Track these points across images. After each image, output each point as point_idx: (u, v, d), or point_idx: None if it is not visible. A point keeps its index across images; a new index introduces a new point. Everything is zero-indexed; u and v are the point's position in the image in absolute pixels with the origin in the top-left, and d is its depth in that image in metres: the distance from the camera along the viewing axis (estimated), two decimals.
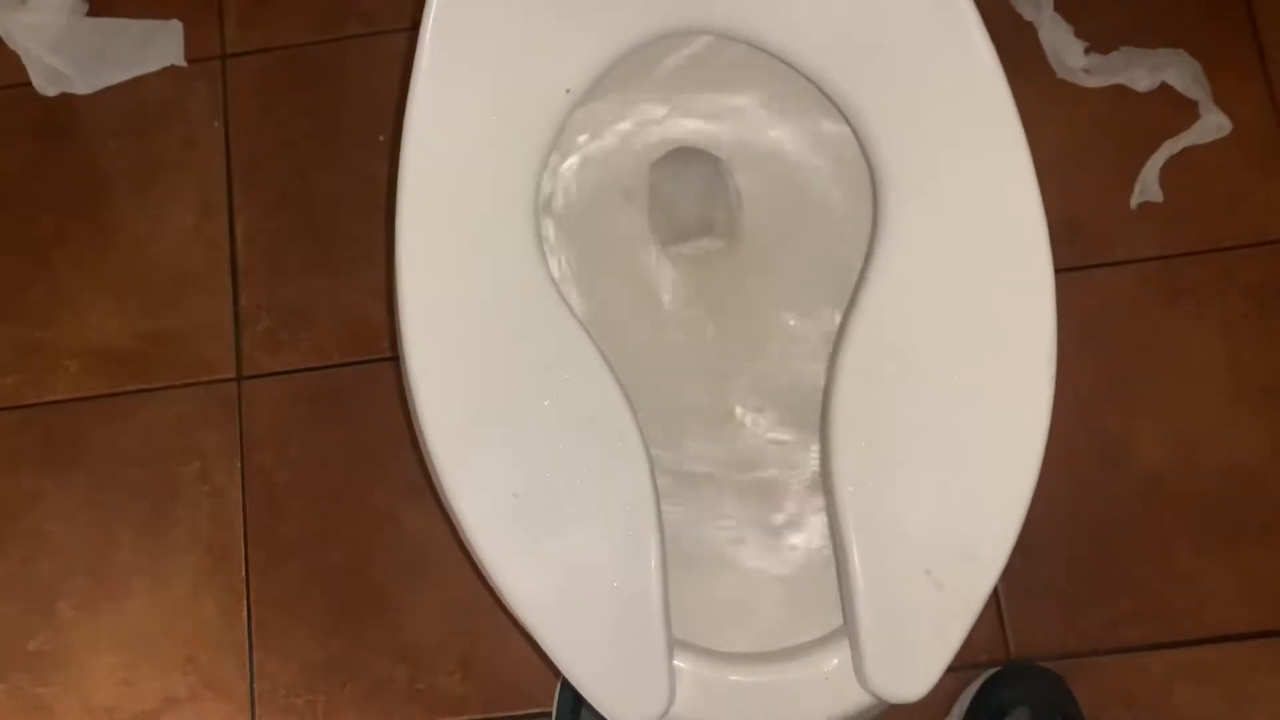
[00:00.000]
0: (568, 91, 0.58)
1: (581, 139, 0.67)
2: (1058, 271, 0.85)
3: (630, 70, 0.62)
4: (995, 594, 0.82)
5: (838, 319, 0.64)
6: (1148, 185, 0.87)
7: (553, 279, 0.56)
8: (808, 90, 0.61)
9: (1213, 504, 0.83)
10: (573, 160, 0.68)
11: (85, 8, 0.91)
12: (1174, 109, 0.88)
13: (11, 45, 0.91)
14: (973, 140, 0.59)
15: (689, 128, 0.70)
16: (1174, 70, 0.88)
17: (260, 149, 0.93)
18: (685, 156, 0.70)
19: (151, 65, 0.93)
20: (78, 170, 0.93)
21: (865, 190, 0.60)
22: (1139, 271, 0.87)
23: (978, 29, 0.60)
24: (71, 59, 0.91)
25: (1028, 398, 0.55)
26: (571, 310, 0.55)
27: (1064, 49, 0.89)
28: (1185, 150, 0.87)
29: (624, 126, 0.67)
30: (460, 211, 0.56)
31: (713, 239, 0.69)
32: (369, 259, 0.88)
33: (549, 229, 0.68)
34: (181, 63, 0.93)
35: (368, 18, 0.94)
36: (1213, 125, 0.87)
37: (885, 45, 0.59)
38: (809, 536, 0.61)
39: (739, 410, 0.65)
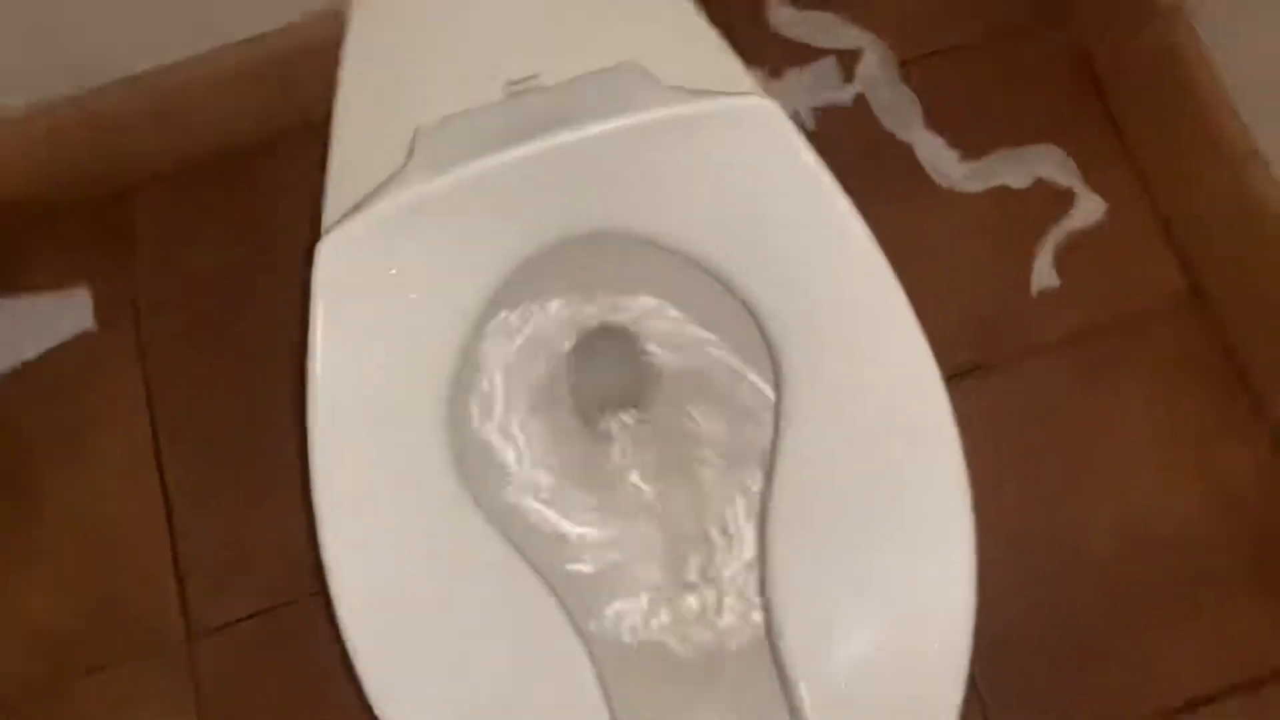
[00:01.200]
0: (465, 316, 0.60)
1: (496, 346, 0.70)
2: (975, 369, 0.90)
3: (528, 275, 0.66)
4: (979, 696, 0.83)
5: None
6: (1043, 272, 0.92)
7: (469, 499, 0.58)
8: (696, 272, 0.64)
9: (1168, 575, 0.85)
10: (495, 365, 0.71)
11: None
12: (1052, 199, 0.93)
13: None
14: (853, 296, 0.62)
15: (594, 312, 0.73)
16: (1046, 164, 0.93)
17: (181, 394, 0.92)
18: (599, 337, 0.73)
19: (64, 335, 0.92)
20: (1, 448, 0.92)
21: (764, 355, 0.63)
22: (1053, 356, 0.91)
23: (839, 197, 0.63)
24: None
25: (950, 531, 0.57)
26: (495, 530, 0.57)
27: (940, 161, 0.94)
28: (1070, 235, 0.92)
29: (530, 329, 0.70)
30: (372, 449, 0.57)
31: (635, 411, 0.72)
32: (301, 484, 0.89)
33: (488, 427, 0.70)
34: (92, 327, 0.93)
35: (271, 259, 0.94)
36: (1090, 208, 0.92)
37: (756, 221, 0.63)
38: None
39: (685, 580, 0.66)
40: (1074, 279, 0.92)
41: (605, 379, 0.72)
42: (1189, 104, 0.84)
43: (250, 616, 0.87)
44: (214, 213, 0.96)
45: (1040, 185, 0.94)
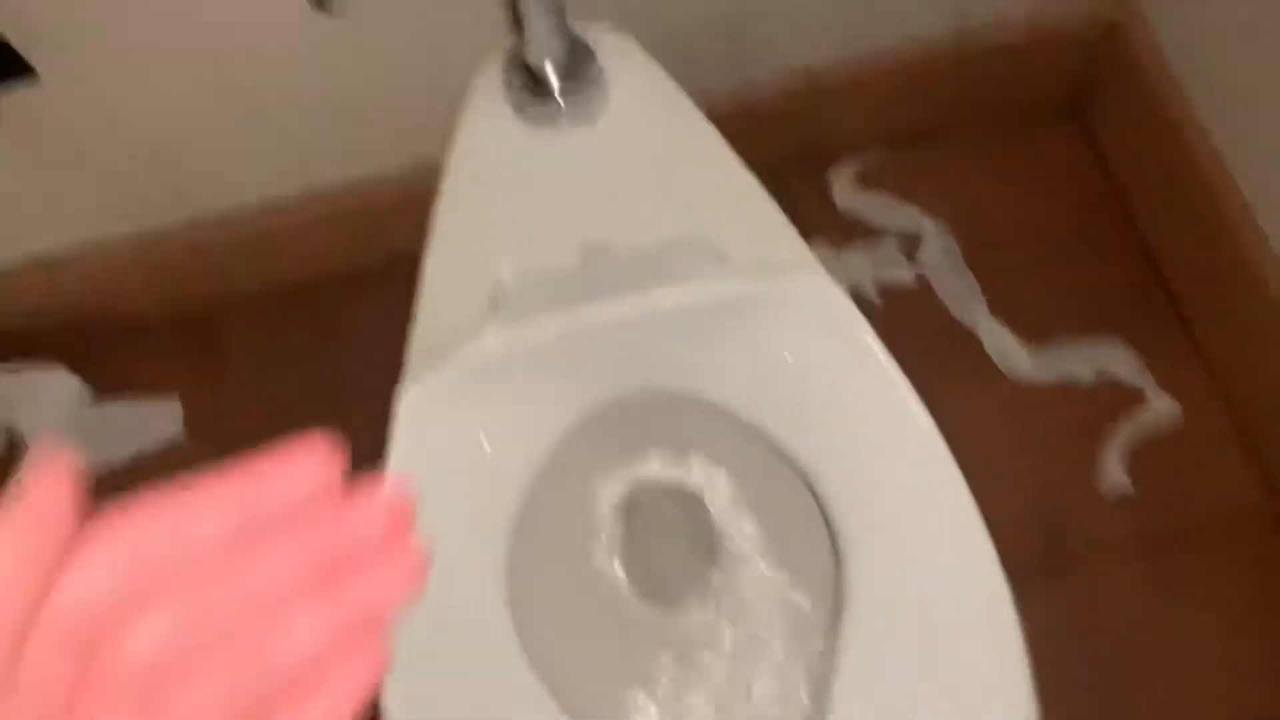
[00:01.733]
0: (529, 464, 0.61)
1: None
2: (1042, 574, 0.86)
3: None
4: None
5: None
6: (1113, 474, 0.88)
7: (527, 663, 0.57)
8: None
9: None
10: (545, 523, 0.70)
11: (89, 395, 0.99)
12: (1122, 396, 0.91)
13: (19, 438, 0.97)
14: (911, 479, 0.61)
15: (655, 468, 0.72)
16: (1113, 361, 0.92)
17: None
18: (659, 497, 0.72)
19: (152, 443, 0.98)
20: None
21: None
22: (1122, 565, 0.86)
23: (900, 380, 0.63)
24: (74, 443, 0.96)
25: None
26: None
27: (1006, 349, 0.93)
28: (1141, 435, 0.89)
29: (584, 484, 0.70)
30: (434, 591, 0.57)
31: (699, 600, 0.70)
32: None
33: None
34: (181, 436, 0.99)
35: (355, 381, 1.00)
36: (1162, 411, 0.90)
37: (814, 393, 0.63)
38: None
39: None
40: (1145, 483, 0.88)
41: (665, 544, 0.71)
42: (1258, 301, 0.82)
43: None
44: (301, 340, 1.03)
45: (1109, 382, 0.92)
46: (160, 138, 0.84)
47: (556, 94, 0.63)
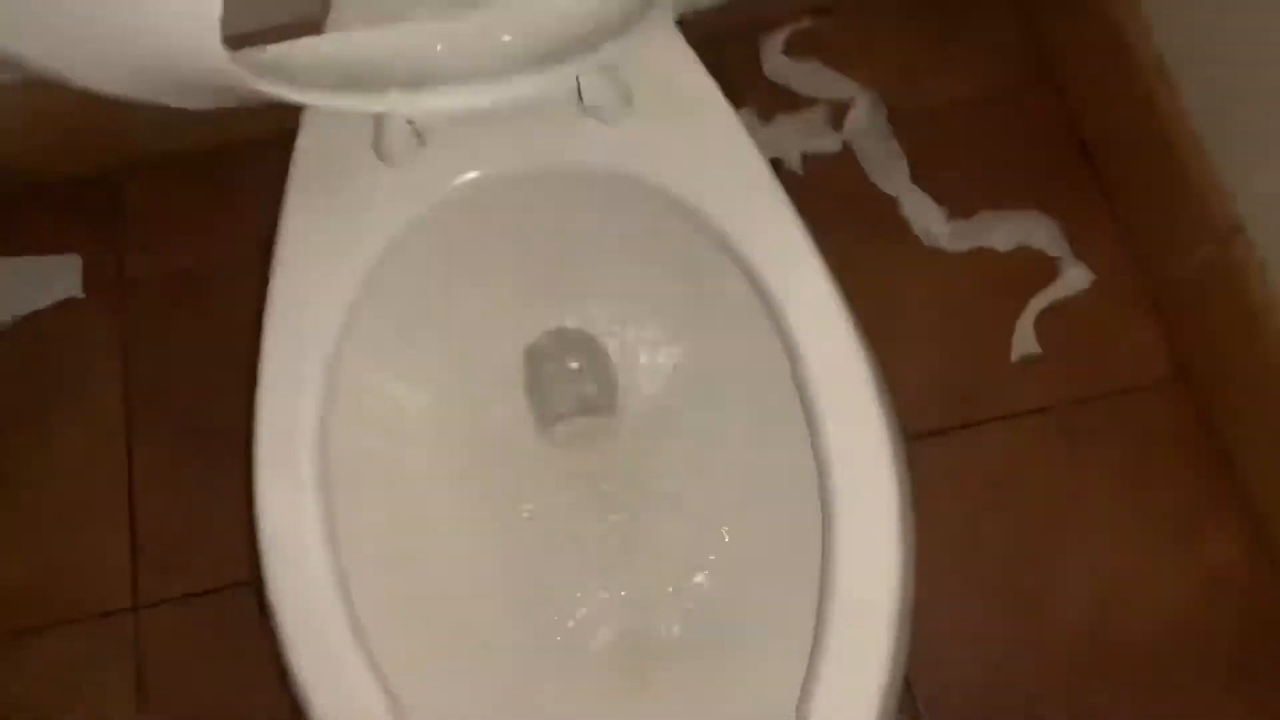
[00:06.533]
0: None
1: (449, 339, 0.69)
2: (950, 430, 0.87)
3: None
4: None
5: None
6: (1024, 339, 0.89)
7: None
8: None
9: (1142, 657, 0.80)
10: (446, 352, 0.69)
11: None
12: (1037, 265, 0.91)
13: None
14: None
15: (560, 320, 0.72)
16: (1032, 230, 0.92)
17: (158, 375, 0.94)
18: (560, 337, 0.71)
19: (50, 299, 0.95)
20: None
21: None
22: (1031, 423, 0.88)
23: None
24: None
25: None
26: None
27: (925, 218, 0.93)
28: (1054, 303, 0.90)
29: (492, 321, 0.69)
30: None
31: (593, 416, 0.69)
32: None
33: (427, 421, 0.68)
34: (80, 294, 0.95)
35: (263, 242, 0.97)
36: (1076, 278, 0.90)
37: None
38: None
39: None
40: (1056, 348, 0.89)
41: (564, 378, 0.70)
42: (1175, 177, 0.82)
43: (196, 595, 0.87)
44: (202, 203, 0.99)
45: (1026, 251, 0.92)
46: None
47: None
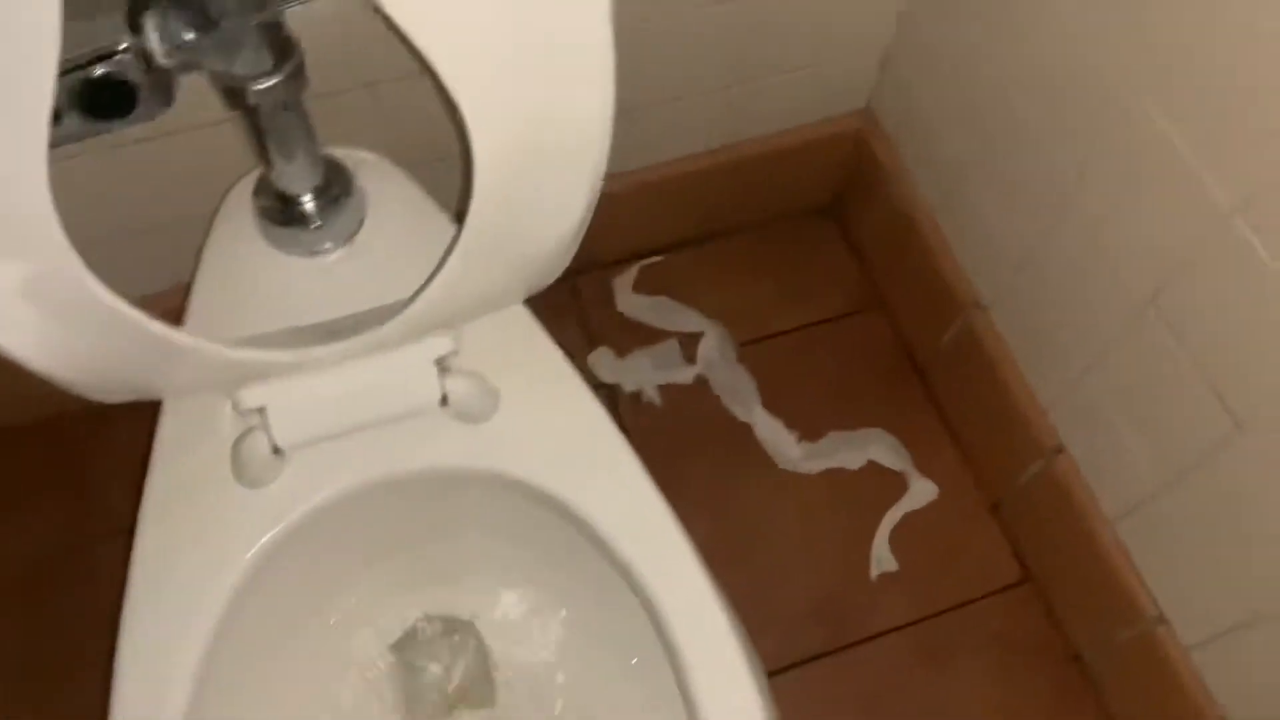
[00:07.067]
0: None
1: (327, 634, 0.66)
2: (823, 655, 0.89)
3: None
4: None
5: None
6: (881, 556, 0.93)
7: None
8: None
9: None
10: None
11: None
12: (887, 481, 0.97)
13: None
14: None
15: (428, 599, 0.70)
16: (877, 447, 0.98)
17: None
18: (428, 629, 0.70)
19: None
20: None
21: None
22: (897, 640, 0.91)
23: None
24: None
25: None
26: None
27: (779, 442, 0.98)
28: (905, 517, 0.95)
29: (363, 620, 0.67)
30: None
31: (471, 705, 0.68)
32: None
33: None
34: None
35: (95, 531, 0.92)
36: (921, 491, 0.96)
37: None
38: None
39: None
40: (910, 562, 0.94)
41: (437, 668, 0.68)
42: (1000, 398, 0.90)
43: None
44: (40, 479, 0.92)
45: (874, 467, 0.97)
46: None
47: (313, 217, 0.60)
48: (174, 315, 0.57)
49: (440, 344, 0.58)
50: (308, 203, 0.60)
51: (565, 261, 0.57)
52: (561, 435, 0.61)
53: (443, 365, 0.59)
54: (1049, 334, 0.84)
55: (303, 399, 0.56)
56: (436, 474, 0.60)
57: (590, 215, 0.56)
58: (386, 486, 0.60)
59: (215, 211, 0.62)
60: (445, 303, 0.54)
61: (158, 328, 0.48)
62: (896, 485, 0.97)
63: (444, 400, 0.59)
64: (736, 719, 0.55)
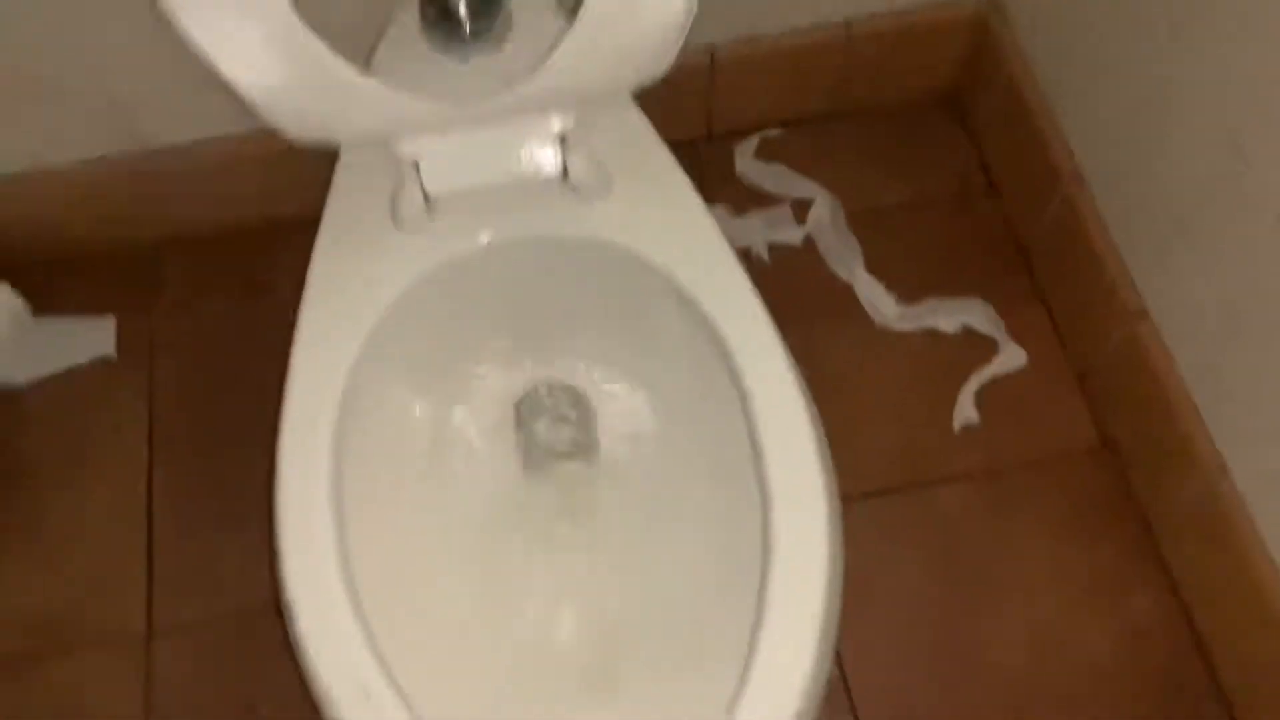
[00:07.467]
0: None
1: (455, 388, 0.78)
2: (896, 491, 0.96)
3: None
4: None
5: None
6: (965, 410, 0.99)
7: None
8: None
9: (1068, 699, 0.87)
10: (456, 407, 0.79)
11: (28, 309, 1.04)
12: (978, 345, 1.02)
13: None
14: None
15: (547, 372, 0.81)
16: (972, 314, 1.03)
17: (180, 425, 1.03)
18: (549, 390, 0.81)
19: (85, 357, 1.05)
20: (12, 454, 1.02)
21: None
22: (971, 486, 0.97)
23: None
24: (12, 355, 1.03)
25: None
26: None
27: (878, 302, 1.04)
28: (993, 379, 1.00)
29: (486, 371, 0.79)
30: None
31: (574, 461, 0.78)
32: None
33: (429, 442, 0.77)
34: (113, 354, 1.05)
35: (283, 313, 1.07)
36: (1011, 356, 1.01)
37: None
38: None
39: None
40: (994, 418, 0.99)
41: (549, 426, 0.79)
42: (1093, 270, 0.94)
43: (206, 624, 0.94)
44: (230, 277, 1.09)
45: (967, 332, 1.03)
46: (109, 74, 0.92)
47: (467, 23, 0.71)
48: None
49: (562, 120, 0.68)
50: (463, 11, 0.71)
51: (671, 55, 0.66)
52: (665, 218, 0.71)
53: (565, 142, 0.69)
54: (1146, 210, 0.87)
55: (450, 155, 0.68)
56: (557, 241, 0.70)
57: (692, 12, 0.64)
58: (515, 247, 0.71)
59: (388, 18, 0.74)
60: (565, 74, 0.64)
61: (346, 69, 0.61)
62: (987, 349, 1.02)
63: (565, 173, 0.69)
64: (802, 507, 0.62)
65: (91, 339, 1.05)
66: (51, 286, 1.07)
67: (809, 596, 0.60)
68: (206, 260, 1.10)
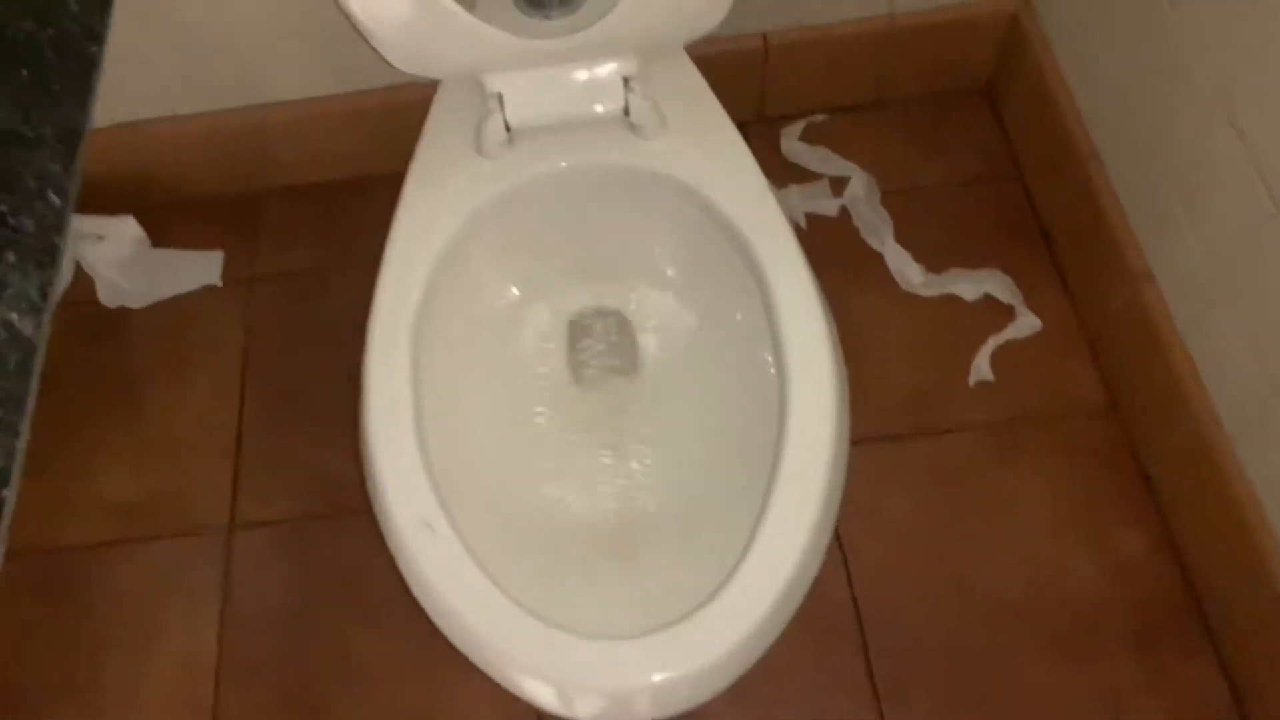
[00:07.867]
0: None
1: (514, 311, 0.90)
2: (911, 436, 1.05)
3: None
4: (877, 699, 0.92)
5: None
6: (980, 368, 1.08)
7: None
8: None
9: (1058, 624, 0.95)
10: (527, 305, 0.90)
11: (149, 241, 1.19)
12: (996, 312, 1.11)
13: (87, 269, 1.17)
14: None
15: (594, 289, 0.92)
16: (993, 284, 1.12)
17: (272, 346, 1.16)
18: (598, 313, 0.92)
19: (194, 285, 1.19)
20: (124, 364, 1.16)
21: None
22: (980, 435, 1.05)
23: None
24: (133, 280, 1.17)
25: None
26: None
27: (905, 269, 1.13)
28: (1009, 343, 1.09)
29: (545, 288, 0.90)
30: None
31: (619, 373, 0.89)
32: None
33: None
34: (219, 283, 1.19)
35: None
36: (1026, 324, 1.09)
37: None
38: None
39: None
40: (1007, 378, 1.07)
41: (596, 343, 0.90)
42: (1104, 237, 1.02)
43: (287, 520, 1.05)
44: (325, 222, 1.23)
45: (988, 300, 1.11)
46: (233, 32, 1.06)
47: None
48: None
49: (626, 65, 0.80)
50: None
51: (721, 12, 0.78)
52: (711, 154, 0.82)
53: (628, 84, 0.80)
54: (1154, 182, 0.96)
55: (528, 90, 0.80)
56: (617, 169, 0.82)
57: None
58: (580, 173, 0.82)
59: None
60: (628, 23, 0.76)
61: (454, 5, 0.73)
62: (1006, 316, 1.10)
63: (626, 110, 0.80)
64: (814, 428, 0.71)
65: (201, 269, 1.19)
66: (170, 223, 1.21)
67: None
68: (303, 208, 1.24)
